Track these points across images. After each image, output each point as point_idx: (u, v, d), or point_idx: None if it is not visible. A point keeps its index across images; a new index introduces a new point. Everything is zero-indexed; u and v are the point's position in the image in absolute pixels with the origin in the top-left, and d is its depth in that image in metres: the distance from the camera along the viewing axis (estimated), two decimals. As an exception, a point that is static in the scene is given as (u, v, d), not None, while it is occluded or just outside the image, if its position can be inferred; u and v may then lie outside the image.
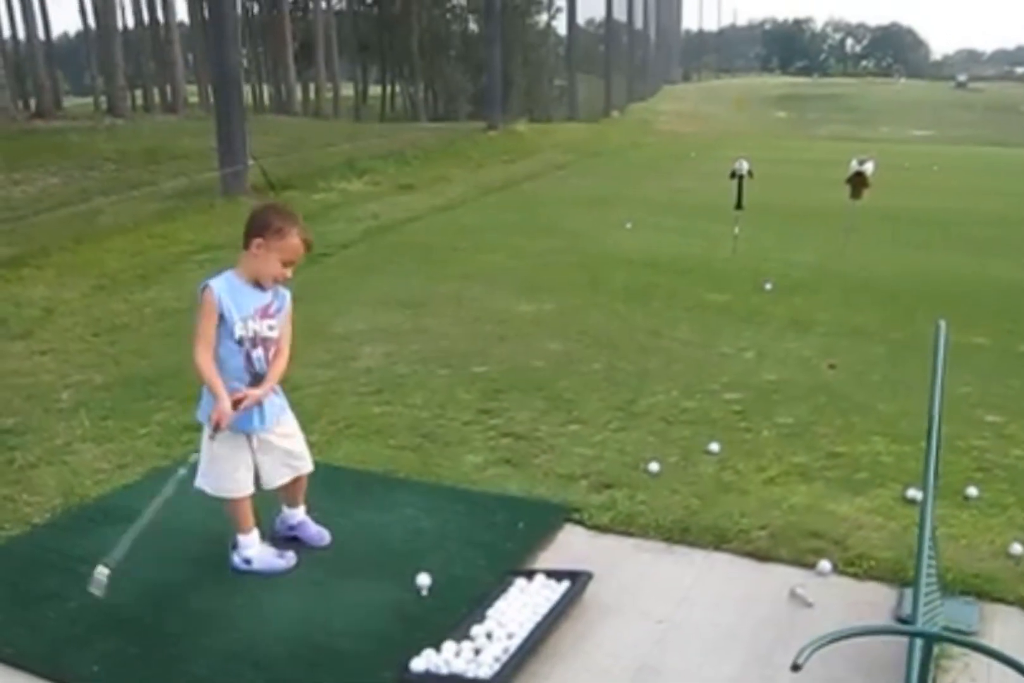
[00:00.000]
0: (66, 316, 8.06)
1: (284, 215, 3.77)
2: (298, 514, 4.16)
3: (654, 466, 4.96)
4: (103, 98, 33.85)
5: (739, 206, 9.95)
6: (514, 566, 4.01)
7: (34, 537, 4.30)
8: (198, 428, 5.40)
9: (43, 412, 5.82)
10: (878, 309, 8.43)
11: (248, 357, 3.77)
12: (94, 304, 8.42)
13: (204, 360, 3.68)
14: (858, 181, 9.72)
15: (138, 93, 39.39)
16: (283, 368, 3.89)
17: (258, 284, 3.78)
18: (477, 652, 3.37)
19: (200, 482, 3.88)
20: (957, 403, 5.40)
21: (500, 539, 4.21)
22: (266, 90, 47.03)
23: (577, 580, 3.83)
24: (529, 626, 3.52)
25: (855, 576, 4.00)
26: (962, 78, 64.19)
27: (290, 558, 3.96)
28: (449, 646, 3.38)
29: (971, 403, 5.90)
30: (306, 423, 4.37)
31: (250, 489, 3.89)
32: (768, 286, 9.04)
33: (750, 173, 9.95)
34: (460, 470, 4.92)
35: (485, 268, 9.90)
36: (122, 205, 12.99)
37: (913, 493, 4.59)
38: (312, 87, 44.72)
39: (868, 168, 9.70)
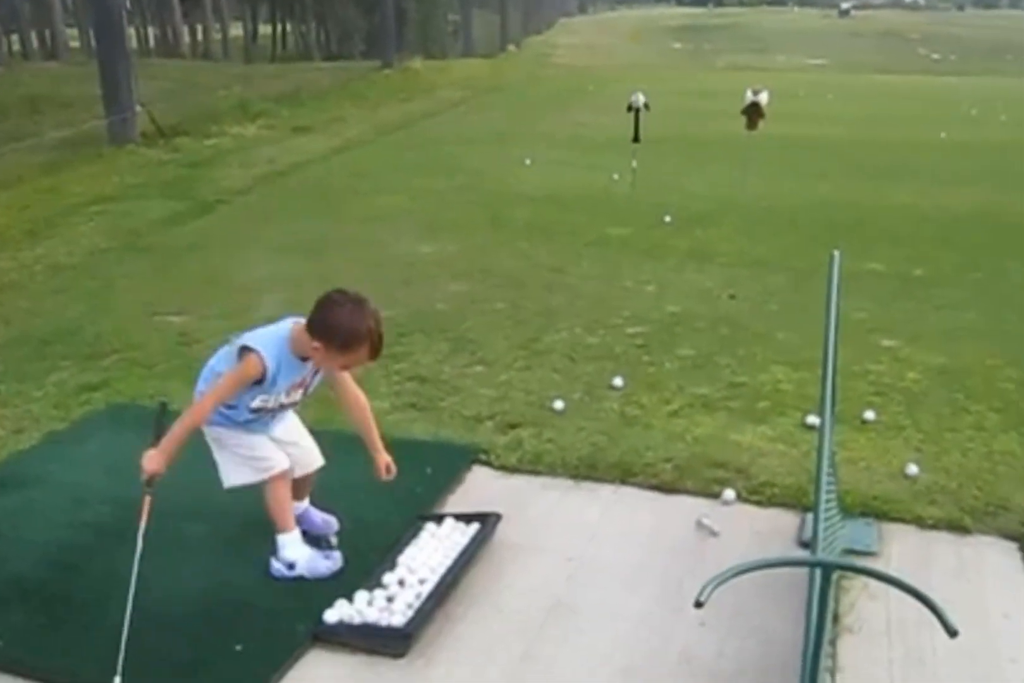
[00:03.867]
0: (-49, 276, 7.78)
1: (354, 327, 3.29)
2: (302, 505, 3.85)
3: (559, 404, 4.99)
4: (-23, 45, 32.48)
5: (636, 139, 9.93)
6: (423, 511, 4.01)
7: (-72, 508, 4.16)
8: (95, 388, 5.34)
9: (-69, 377, 5.64)
10: (778, 239, 8.54)
11: (263, 420, 3.56)
12: (-20, 263, 8.15)
13: (202, 417, 3.39)
14: (753, 112, 9.76)
15: (14, 38, 37.84)
16: None
17: (305, 359, 3.46)
18: (390, 600, 3.38)
19: (234, 478, 3.57)
20: (854, 329, 5.52)
21: (408, 484, 4.18)
22: (151, 32, 45.54)
23: (486, 522, 3.85)
24: (441, 571, 3.53)
25: (759, 504, 4.09)
26: (845, 6, 64.44)
27: (336, 559, 3.63)
28: (361, 596, 3.38)
29: (868, 328, 6.02)
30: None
31: (287, 461, 3.58)
32: (668, 219, 9.08)
33: (647, 106, 9.93)
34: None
35: (386, 210, 9.79)
36: (5, 158, 12.54)
37: (813, 419, 4.68)
38: (199, 28, 43.48)
39: (763, 99, 9.73)
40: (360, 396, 3.66)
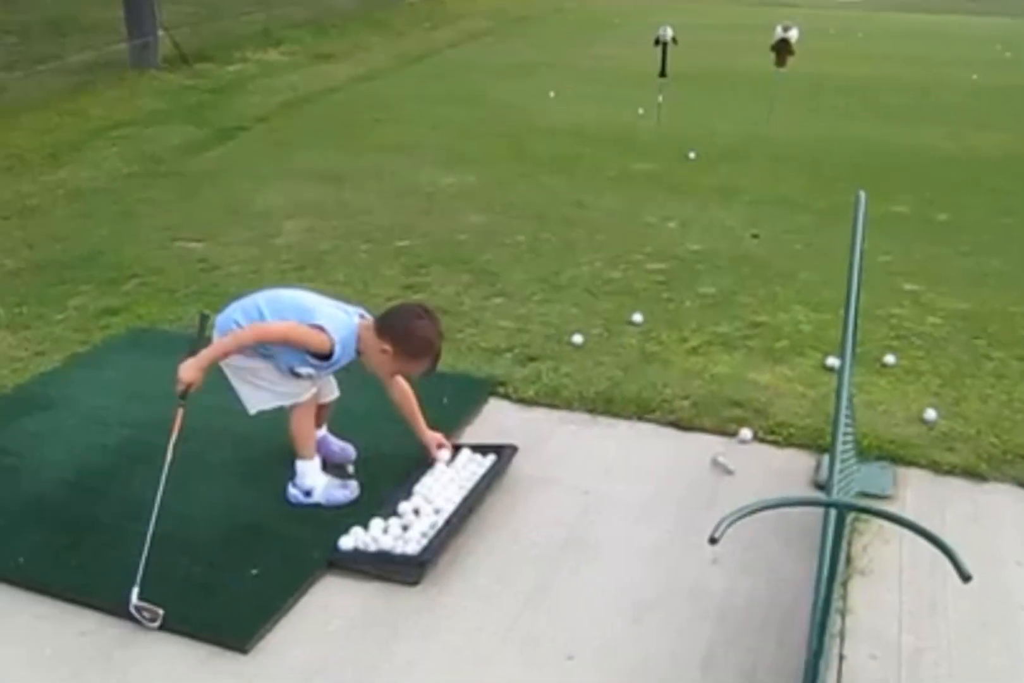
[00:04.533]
0: (-27, 198, 7.76)
1: (429, 340, 3.45)
2: (319, 433, 3.89)
3: (578, 338, 4.99)
4: (1, -36, 32.08)
5: (663, 74, 9.78)
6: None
7: (-49, 429, 4.20)
8: (116, 312, 5.36)
9: (-47, 299, 5.66)
10: (802, 178, 8.43)
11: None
12: (2, 185, 8.09)
13: (256, 341, 3.42)
14: (782, 48, 9.57)
15: (38, -42, 37.40)
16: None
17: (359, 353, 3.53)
18: (405, 529, 3.41)
19: (259, 404, 3.59)
20: (877, 271, 5.47)
21: (425, 414, 4.22)
22: (175, -46, 44.96)
23: (503, 454, 3.87)
24: (456, 501, 3.56)
25: (775, 444, 4.10)
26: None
27: (353, 488, 3.66)
28: (376, 523, 3.41)
29: (890, 271, 5.97)
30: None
31: (313, 388, 3.61)
32: (692, 155, 8.98)
33: (674, 40, 9.75)
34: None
35: (407, 140, 9.70)
36: (28, 80, 12.41)
37: (832, 361, 4.67)
38: (223, -49, 42.83)
39: (792, 35, 9.53)
40: (408, 388, 3.78)
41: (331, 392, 3.82)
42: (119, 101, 11.63)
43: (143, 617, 2.99)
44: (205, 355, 3.36)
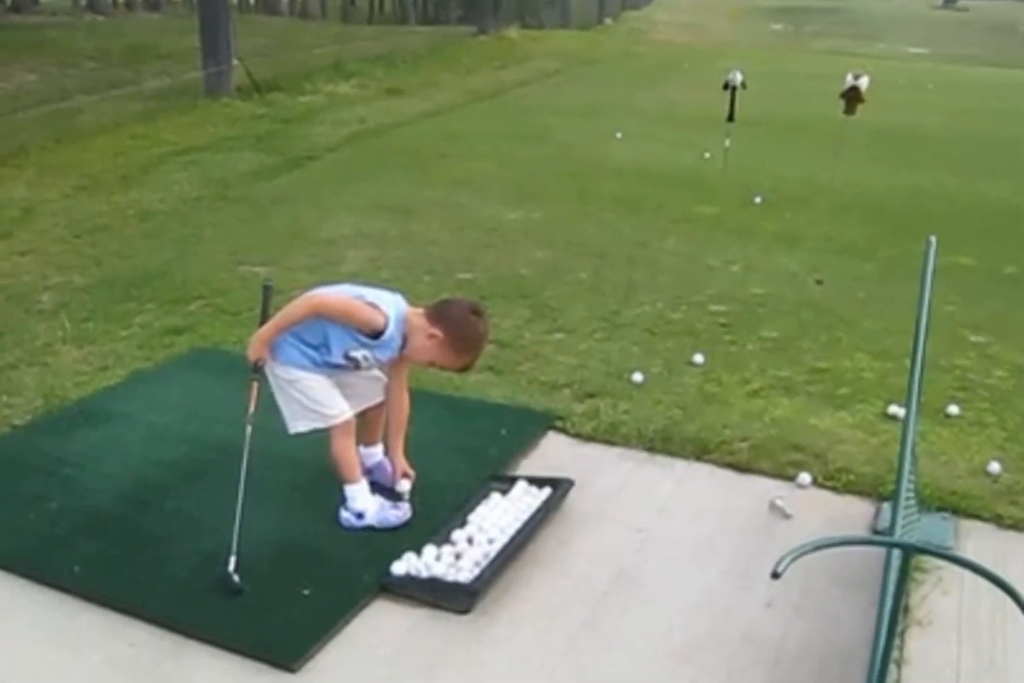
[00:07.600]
0: (46, 217, 7.92)
1: (480, 337, 3.53)
2: (377, 453, 3.91)
3: (638, 376, 4.96)
4: (84, -7, 32.85)
5: (731, 118, 9.78)
6: (496, 472, 4.02)
7: (15, 439, 4.27)
8: (180, 331, 5.42)
9: (23, 313, 5.77)
10: (867, 226, 8.37)
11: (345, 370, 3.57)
12: (75, 205, 8.28)
13: (309, 312, 3.43)
14: (852, 96, 9.54)
15: (120, -11, 38.26)
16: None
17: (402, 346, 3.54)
18: (458, 557, 3.40)
19: (298, 425, 3.57)
20: (942, 322, 5.37)
21: (483, 445, 4.22)
22: (252, -11, 45.76)
23: (559, 487, 3.84)
24: (510, 532, 3.54)
25: (834, 489, 4.03)
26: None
27: (406, 509, 3.65)
28: (430, 550, 3.40)
29: (956, 323, 5.89)
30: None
31: (351, 412, 3.58)
32: (758, 200, 8.96)
33: (743, 84, 9.76)
34: (443, 376, 4.80)
35: (473, 175, 9.78)
36: (103, 104, 12.73)
37: (894, 409, 4.60)
38: (299, -13, 43.53)
39: (863, 83, 9.50)
40: (407, 399, 3.77)
41: (375, 394, 3.75)
42: (191, 127, 11.87)
43: (231, 582, 3.20)
44: (266, 330, 3.45)
